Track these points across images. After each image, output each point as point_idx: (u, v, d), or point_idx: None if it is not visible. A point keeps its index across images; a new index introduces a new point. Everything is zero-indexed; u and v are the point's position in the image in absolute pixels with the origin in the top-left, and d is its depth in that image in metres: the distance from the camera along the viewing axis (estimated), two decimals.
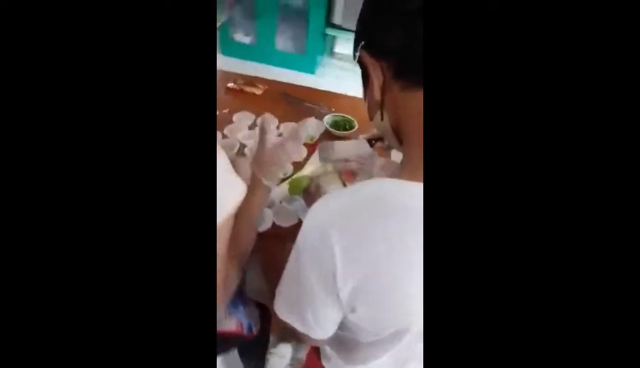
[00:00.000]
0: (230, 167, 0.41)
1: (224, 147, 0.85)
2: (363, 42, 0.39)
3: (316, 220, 0.36)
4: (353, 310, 0.37)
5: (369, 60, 0.39)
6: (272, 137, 0.67)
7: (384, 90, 0.40)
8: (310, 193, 0.71)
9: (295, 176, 0.85)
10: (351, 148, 0.74)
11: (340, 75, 3.23)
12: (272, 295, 0.45)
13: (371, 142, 0.86)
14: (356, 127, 1.14)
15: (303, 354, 0.75)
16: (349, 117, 1.18)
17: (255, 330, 0.69)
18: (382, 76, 0.39)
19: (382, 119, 0.43)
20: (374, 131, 0.81)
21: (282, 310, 0.43)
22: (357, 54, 0.41)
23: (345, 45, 3.13)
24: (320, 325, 0.40)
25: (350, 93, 1.30)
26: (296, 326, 0.42)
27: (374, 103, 0.43)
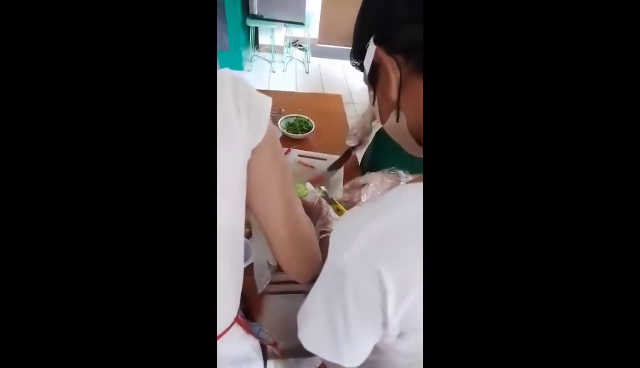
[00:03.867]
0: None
1: None
2: (374, 36, 0.35)
3: (358, 254, 0.32)
4: (401, 336, 0.34)
5: (384, 56, 0.35)
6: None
7: (400, 87, 0.36)
8: (307, 203, 0.65)
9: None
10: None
11: (270, 67, 3.12)
12: None
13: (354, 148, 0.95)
14: (313, 127, 1.08)
15: None
16: (303, 116, 1.11)
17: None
18: (399, 72, 0.35)
19: (397, 120, 0.39)
20: (340, 133, 0.83)
21: (308, 339, 0.39)
22: (368, 49, 0.36)
23: (269, 35, 3.01)
24: (355, 354, 0.37)
25: (288, 87, 1.25)
26: (324, 355, 0.38)
27: (389, 104, 0.39)
